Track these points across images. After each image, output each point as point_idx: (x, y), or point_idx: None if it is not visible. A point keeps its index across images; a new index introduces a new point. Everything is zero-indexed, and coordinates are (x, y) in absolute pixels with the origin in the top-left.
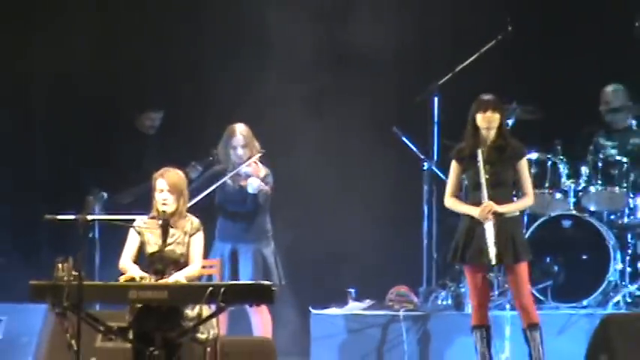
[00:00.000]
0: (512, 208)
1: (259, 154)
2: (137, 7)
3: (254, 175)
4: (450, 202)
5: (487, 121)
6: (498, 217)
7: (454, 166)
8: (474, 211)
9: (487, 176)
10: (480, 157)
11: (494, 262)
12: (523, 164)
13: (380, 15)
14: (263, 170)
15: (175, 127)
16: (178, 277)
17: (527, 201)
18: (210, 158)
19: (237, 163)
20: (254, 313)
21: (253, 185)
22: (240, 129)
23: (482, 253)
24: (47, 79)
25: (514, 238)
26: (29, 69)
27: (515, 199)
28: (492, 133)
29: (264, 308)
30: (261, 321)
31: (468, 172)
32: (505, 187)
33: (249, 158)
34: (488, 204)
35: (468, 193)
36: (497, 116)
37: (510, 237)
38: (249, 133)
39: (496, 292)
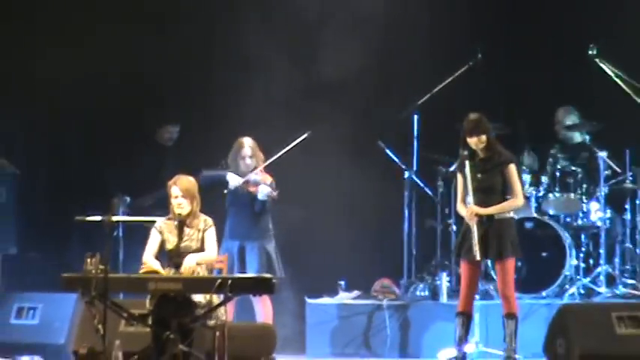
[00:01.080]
0: (497, 210)
1: (264, 164)
2: (158, 36)
3: (263, 182)
4: (458, 207)
5: (475, 144)
6: (490, 218)
7: (458, 177)
8: (468, 213)
9: (475, 183)
10: (467, 168)
11: (477, 257)
12: (510, 170)
13: (369, 43)
14: (269, 178)
15: (190, 140)
16: (193, 257)
17: (513, 202)
18: (220, 167)
19: (245, 171)
20: (257, 302)
21: (264, 192)
22: (248, 142)
23: (471, 249)
24: (82, 94)
25: (501, 236)
26: (67, 81)
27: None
28: (481, 148)
29: (266, 298)
30: (263, 309)
31: (463, 181)
32: (494, 192)
33: (255, 167)
34: (471, 207)
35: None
36: (483, 137)
37: (498, 236)
38: (255, 145)
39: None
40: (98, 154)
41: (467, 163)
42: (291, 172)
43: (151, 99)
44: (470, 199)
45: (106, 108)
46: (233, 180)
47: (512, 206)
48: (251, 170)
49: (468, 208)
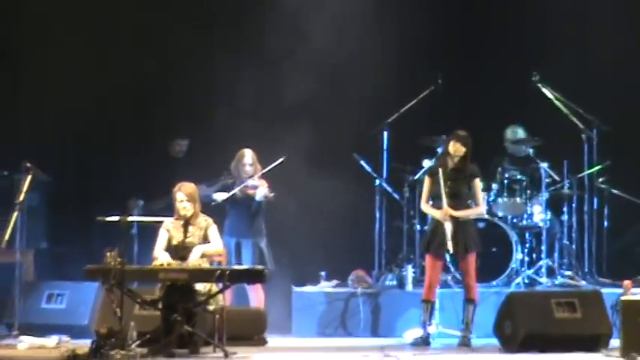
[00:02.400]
0: (466, 214)
1: (261, 172)
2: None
3: (260, 186)
4: (424, 207)
5: (454, 150)
6: (456, 219)
7: (426, 180)
8: (437, 213)
9: (447, 189)
10: (440, 175)
11: (451, 251)
12: (476, 183)
13: (347, 72)
14: (264, 183)
15: (197, 152)
16: (200, 248)
17: (478, 209)
18: (222, 177)
19: (245, 177)
20: (251, 289)
21: (261, 194)
22: (249, 153)
23: (442, 245)
24: (103, 114)
25: (465, 235)
26: (91, 103)
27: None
28: (456, 159)
29: (258, 286)
30: (256, 296)
31: (434, 185)
32: (460, 198)
33: (254, 174)
34: (446, 209)
35: (434, 200)
36: (463, 149)
37: (463, 234)
38: (255, 156)
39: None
40: (116, 164)
41: (440, 171)
42: (281, 181)
43: (163, 115)
44: (444, 202)
45: (123, 124)
46: (219, 196)
47: (477, 212)
48: (250, 176)
49: (442, 210)
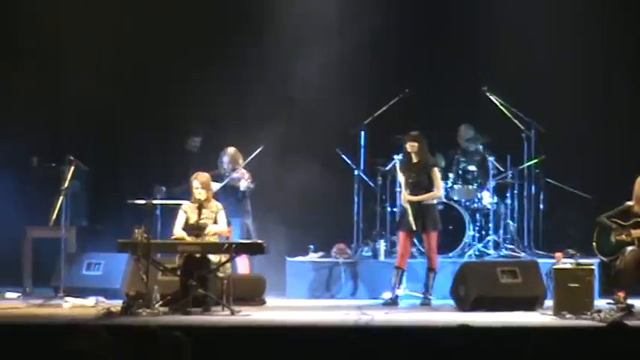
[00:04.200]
0: (423, 198)
1: (243, 164)
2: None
3: (243, 178)
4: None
5: (409, 147)
6: (418, 202)
7: (399, 173)
8: (403, 199)
9: (410, 180)
10: (399, 171)
11: (414, 229)
12: (434, 172)
13: (334, 79)
14: (247, 174)
15: (209, 148)
16: (212, 227)
17: (435, 194)
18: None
19: (229, 170)
20: (239, 259)
21: (243, 185)
22: (229, 151)
23: (407, 223)
24: (131, 114)
25: (425, 216)
26: (123, 107)
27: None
28: (413, 155)
29: (244, 256)
30: (243, 264)
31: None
32: (421, 186)
33: (235, 168)
34: (405, 196)
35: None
36: (415, 144)
37: (423, 215)
38: (235, 152)
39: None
40: (143, 157)
41: (403, 165)
42: (276, 171)
43: (181, 115)
44: (404, 189)
45: (147, 124)
46: (214, 186)
47: (435, 196)
48: (232, 170)
49: (403, 196)
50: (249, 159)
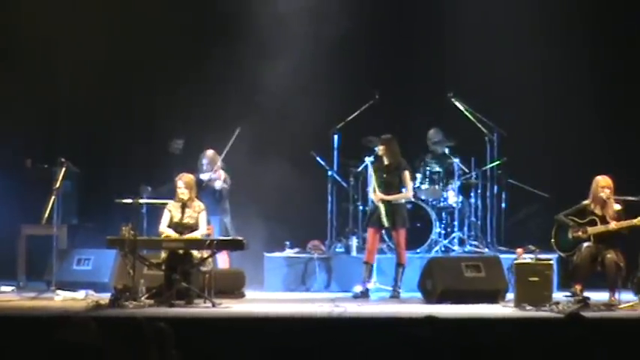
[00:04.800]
0: (395, 197)
1: (219, 166)
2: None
3: (218, 179)
4: (370, 194)
5: (380, 151)
6: (389, 201)
7: (372, 173)
8: (375, 198)
9: (381, 180)
10: (371, 170)
11: (386, 225)
12: (404, 174)
13: (309, 83)
14: (223, 175)
15: (190, 149)
16: (193, 235)
17: (406, 194)
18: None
19: (205, 171)
20: (219, 254)
21: (218, 184)
22: (207, 153)
23: (378, 220)
24: (121, 120)
25: (395, 214)
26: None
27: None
28: (384, 157)
29: (224, 252)
30: (223, 259)
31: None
32: (392, 186)
33: (213, 169)
34: (377, 195)
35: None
36: (385, 147)
37: (393, 213)
38: (213, 154)
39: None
40: (130, 158)
41: (375, 167)
42: (255, 172)
43: (164, 118)
44: (376, 189)
45: (137, 128)
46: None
47: (405, 197)
48: (210, 171)
49: (375, 195)
50: (229, 145)
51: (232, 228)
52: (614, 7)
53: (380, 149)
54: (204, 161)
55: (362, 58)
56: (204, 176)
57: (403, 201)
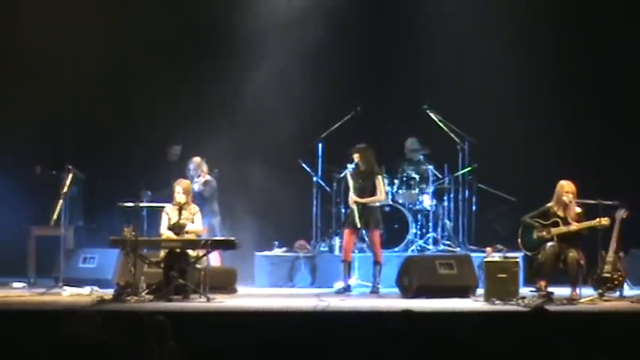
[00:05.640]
0: (368, 200)
1: (204, 171)
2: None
3: (199, 183)
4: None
5: (355, 158)
6: (363, 204)
7: (349, 179)
8: (350, 200)
9: (357, 185)
10: (349, 176)
11: (358, 226)
12: (378, 179)
13: (294, 98)
14: (205, 179)
15: (186, 157)
16: (190, 227)
17: (378, 198)
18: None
19: (195, 176)
20: (212, 254)
21: (196, 187)
22: (196, 159)
23: (353, 222)
24: (124, 130)
25: (369, 216)
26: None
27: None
28: (359, 164)
29: (216, 251)
30: (214, 257)
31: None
32: (366, 191)
33: (200, 175)
34: (352, 197)
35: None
36: (359, 155)
37: (367, 215)
38: (199, 161)
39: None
40: (131, 166)
41: (352, 173)
42: (247, 177)
43: (165, 127)
44: (352, 193)
45: (140, 136)
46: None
47: (377, 200)
48: (196, 176)
49: (350, 198)
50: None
51: (221, 229)
52: (578, 18)
53: (355, 157)
54: (191, 166)
55: (345, 73)
56: (195, 186)
57: (377, 204)
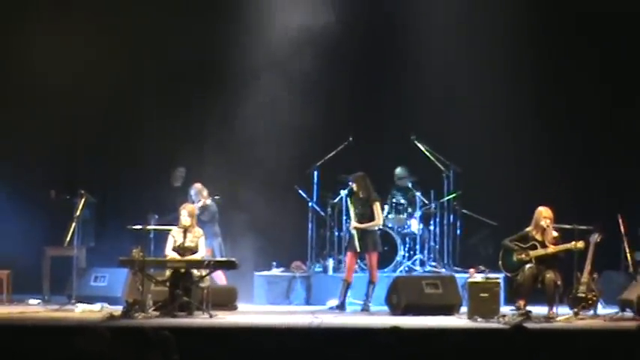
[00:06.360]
0: (366, 226)
1: (205, 195)
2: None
3: (197, 207)
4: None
5: (354, 186)
6: (362, 229)
7: (350, 205)
8: (350, 226)
9: (356, 210)
10: (349, 202)
11: (358, 250)
12: (375, 206)
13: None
14: (203, 203)
15: (189, 183)
16: (196, 256)
17: (375, 222)
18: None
19: (195, 201)
20: (217, 273)
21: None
22: (197, 185)
23: (354, 246)
24: (129, 158)
25: (367, 239)
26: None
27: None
28: (358, 191)
29: (220, 272)
30: (219, 276)
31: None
32: (365, 216)
33: (200, 199)
34: (353, 223)
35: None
36: (356, 184)
37: (366, 239)
38: (200, 187)
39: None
40: (139, 191)
41: (352, 200)
42: (248, 203)
43: (165, 159)
44: (352, 218)
45: (146, 162)
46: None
47: (375, 224)
48: (198, 201)
49: (351, 223)
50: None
51: (222, 250)
52: (556, 47)
53: (354, 185)
54: (192, 192)
55: (338, 105)
56: (200, 205)
57: (376, 228)
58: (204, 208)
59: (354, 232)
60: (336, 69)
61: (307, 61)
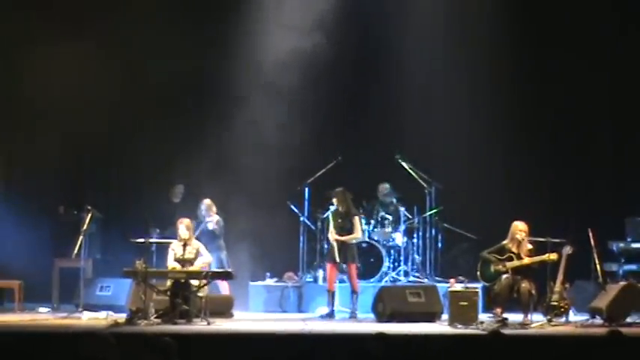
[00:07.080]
0: (346, 239)
1: (214, 211)
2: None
3: (211, 221)
4: (329, 235)
5: (335, 201)
6: (342, 241)
7: (330, 219)
8: (331, 238)
9: (336, 224)
10: (330, 217)
11: (337, 261)
12: (355, 220)
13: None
14: (216, 218)
15: (187, 199)
16: (198, 261)
17: (354, 235)
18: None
19: (205, 216)
20: (220, 283)
21: (210, 226)
22: (205, 201)
23: (333, 257)
24: (133, 173)
25: (346, 252)
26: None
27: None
28: (339, 205)
29: (224, 282)
30: (223, 286)
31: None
32: (344, 229)
33: (209, 214)
34: (332, 235)
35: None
36: (336, 199)
37: (345, 251)
38: (210, 202)
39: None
40: (141, 207)
41: (330, 214)
42: (243, 218)
43: (165, 176)
44: (332, 231)
45: (146, 180)
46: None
47: (354, 238)
48: (208, 216)
49: (330, 235)
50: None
51: (227, 261)
52: (531, 65)
53: (334, 200)
54: (202, 207)
55: (327, 126)
56: (209, 225)
57: (354, 241)
58: (218, 223)
59: (334, 243)
60: (327, 91)
61: (297, 82)
